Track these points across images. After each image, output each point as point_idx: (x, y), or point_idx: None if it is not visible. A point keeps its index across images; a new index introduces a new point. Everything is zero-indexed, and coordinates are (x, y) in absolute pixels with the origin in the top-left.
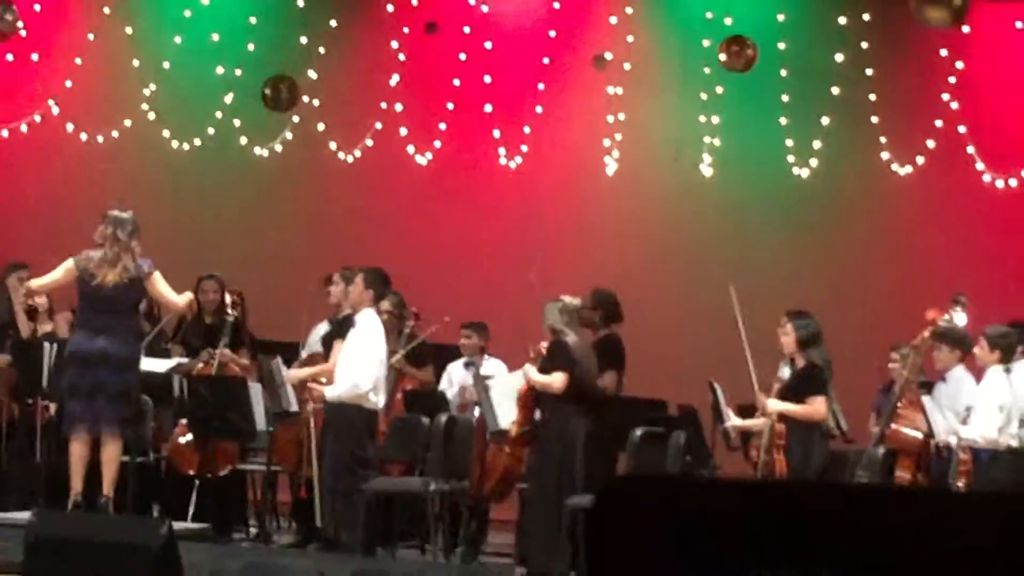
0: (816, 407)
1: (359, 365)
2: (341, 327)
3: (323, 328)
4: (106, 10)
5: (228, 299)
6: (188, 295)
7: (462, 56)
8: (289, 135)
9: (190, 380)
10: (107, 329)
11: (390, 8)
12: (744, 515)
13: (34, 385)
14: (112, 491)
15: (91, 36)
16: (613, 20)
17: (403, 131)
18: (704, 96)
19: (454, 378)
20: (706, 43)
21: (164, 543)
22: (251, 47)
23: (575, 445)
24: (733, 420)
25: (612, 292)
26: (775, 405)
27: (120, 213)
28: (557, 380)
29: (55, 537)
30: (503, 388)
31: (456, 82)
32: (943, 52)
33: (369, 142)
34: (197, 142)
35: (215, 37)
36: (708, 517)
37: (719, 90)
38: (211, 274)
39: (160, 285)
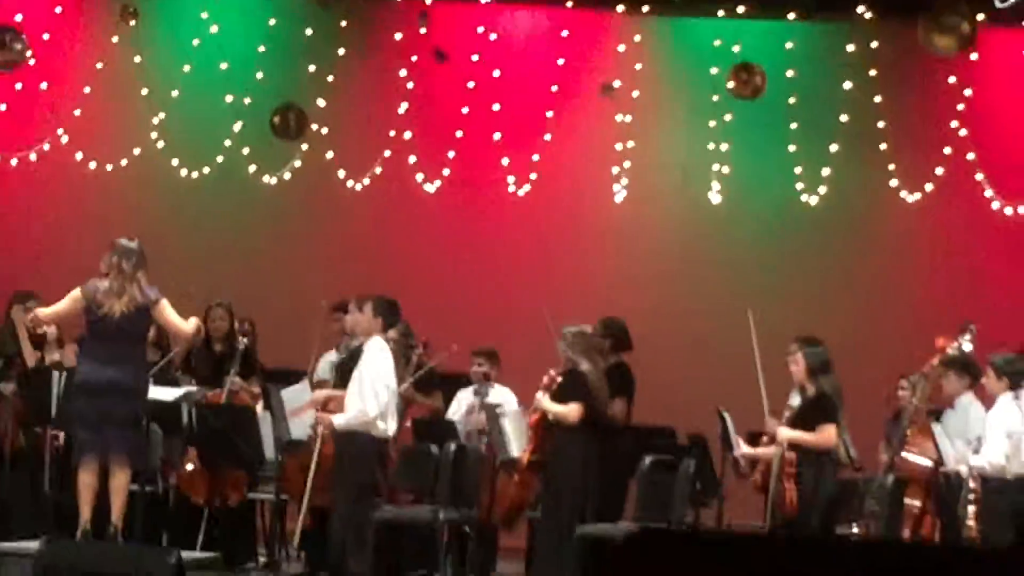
0: (826, 435)
1: (367, 392)
2: (353, 356)
3: (331, 357)
4: (115, 39)
5: (238, 326)
6: (195, 320)
7: (471, 84)
8: (298, 163)
9: (199, 408)
10: (115, 359)
11: (398, 36)
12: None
13: (42, 414)
14: (121, 521)
15: (100, 65)
16: (621, 48)
17: (412, 159)
18: (712, 123)
19: (463, 405)
20: (714, 71)
21: (173, 573)
22: (260, 75)
23: (586, 473)
24: (743, 448)
25: (621, 320)
26: (786, 433)
27: (127, 242)
28: (572, 412)
29: (64, 567)
30: (513, 417)
31: (465, 110)
32: (951, 79)
33: (378, 170)
34: (206, 170)
35: (224, 66)
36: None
37: (727, 117)
38: (220, 301)
39: (167, 312)
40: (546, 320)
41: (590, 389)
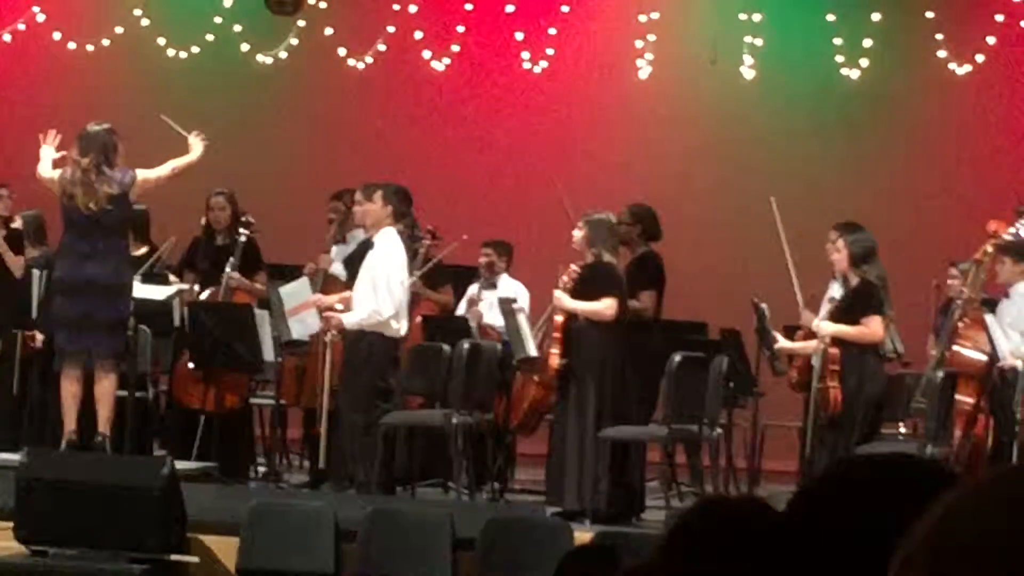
0: (872, 328)
1: (381, 289)
2: (362, 250)
3: (332, 253)
4: None
5: (243, 219)
6: (195, 137)
7: None
8: (294, 41)
9: (192, 308)
10: (94, 254)
11: None
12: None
13: (19, 316)
14: (108, 429)
15: None
16: None
17: (418, 35)
18: None
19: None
20: None
21: (166, 484)
22: None
23: (612, 374)
24: (781, 342)
25: (650, 207)
26: (828, 327)
27: (92, 128)
28: (608, 307)
29: (48, 479)
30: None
31: None
32: None
33: (381, 47)
34: (195, 50)
35: None
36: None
37: None
38: (220, 190)
39: (151, 176)
40: (564, 205)
41: (621, 281)
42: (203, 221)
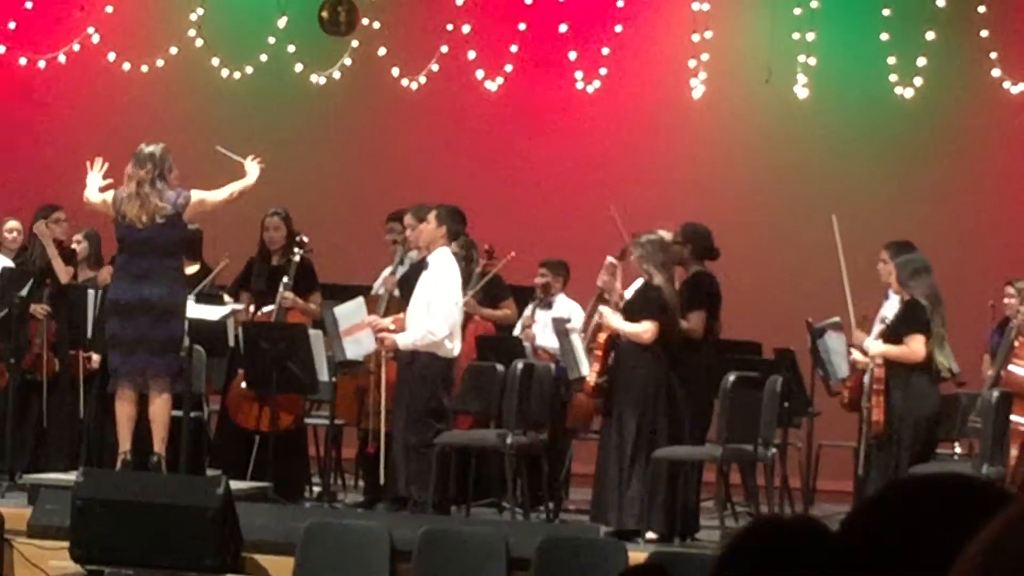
0: (913, 347)
1: (437, 310)
2: (416, 270)
3: (386, 272)
4: None
5: (298, 239)
6: (251, 161)
7: None
8: (348, 61)
9: (246, 329)
10: (148, 275)
11: None
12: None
13: (76, 336)
14: (163, 449)
15: None
16: None
17: (471, 55)
18: (798, 11)
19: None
20: None
21: (221, 504)
22: None
23: (654, 396)
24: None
25: (703, 226)
26: (875, 347)
27: (145, 148)
28: (647, 331)
29: (104, 499)
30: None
31: (528, 0)
32: None
33: (435, 67)
34: (249, 70)
35: None
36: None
37: (814, 4)
38: (275, 210)
39: (207, 199)
40: (618, 225)
41: (665, 305)
42: (258, 241)
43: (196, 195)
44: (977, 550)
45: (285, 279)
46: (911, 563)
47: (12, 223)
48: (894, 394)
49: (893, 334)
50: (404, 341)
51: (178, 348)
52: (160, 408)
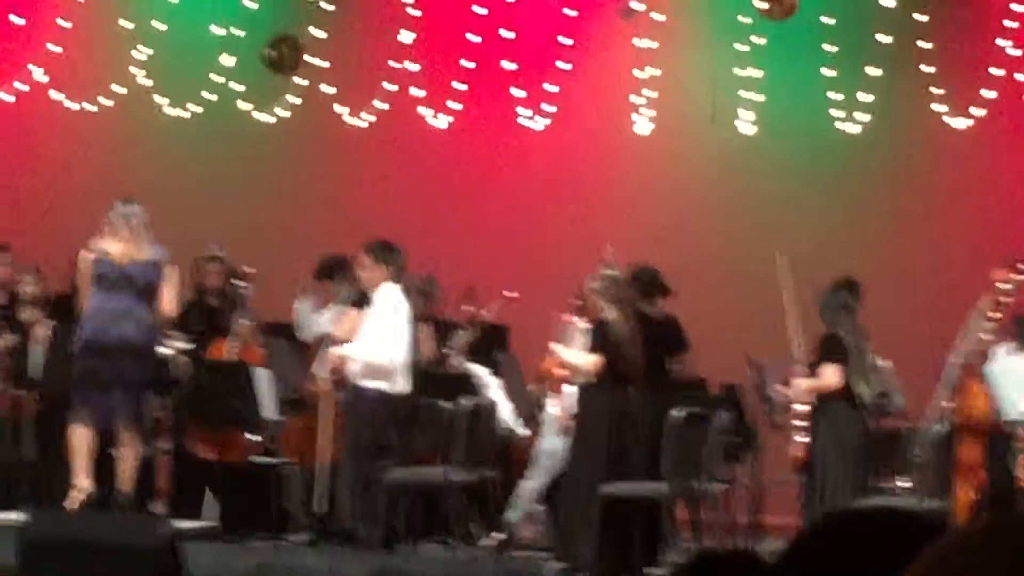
0: (825, 375)
1: (390, 338)
2: (364, 298)
3: (329, 314)
4: None
5: (239, 271)
6: (175, 312)
7: (480, 10)
8: (294, 99)
9: (194, 364)
10: (128, 315)
11: None
12: None
13: (24, 376)
14: (131, 488)
15: None
16: None
17: (418, 92)
18: (742, 47)
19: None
20: None
21: (166, 543)
22: (250, 4)
23: (611, 431)
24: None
25: (648, 267)
26: (798, 383)
27: (126, 204)
28: (589, 364)
29: (52, 539)
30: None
31: (474, 38)
32: None
33: (381, 105)
34: (195, 108)
35: None
36: None
37: (758, 41)
38: (213, 254)
39: (170, 280)
40: (607, 255)
41: (613, 341)
42: (192, 283)
43: (172, 272)
44: None
45: (239, 314)
46: None
47: None
48: (820, 425)
49: (813, 368)
50: (361, 355)
51: (149, 388)
52: (135, 450)
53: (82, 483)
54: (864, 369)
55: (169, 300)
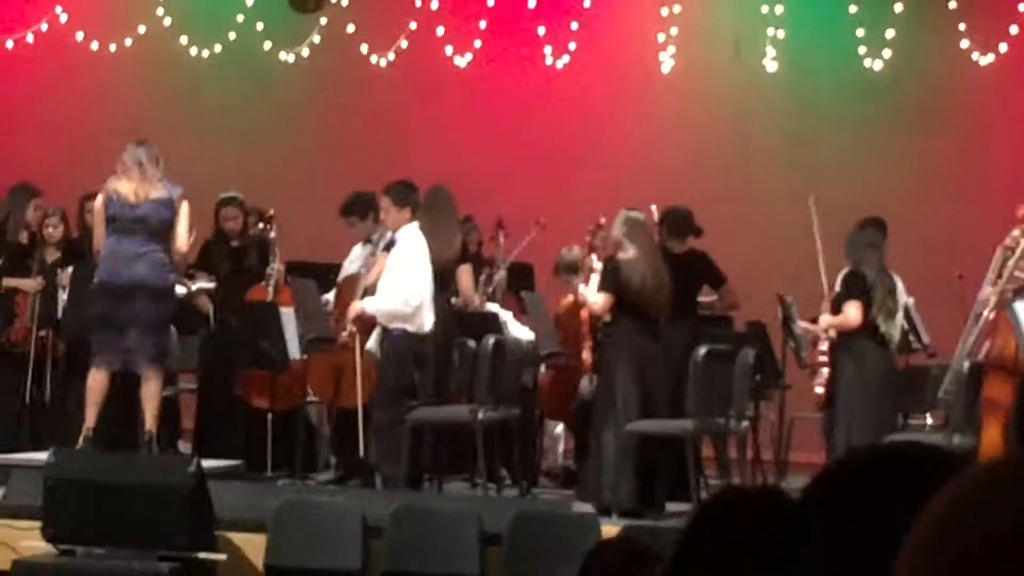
0: (848, 313)
1: (406, 281)
2: (388, 247)
3: (358, 249)
4: None
5: (264, 214)
6: (187, 246)
7: None
8: (317, 38)
9: (216, 306)
10: (140, 256)
11: None
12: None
13: (50, 318)
14: (155, 427)
15: None
16: None
17: (440, 31)
18: None
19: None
20: None
21: (193, 482)
22: None
23: (633, 368)
24: (801, 324)
25: (680, 208)
26: (823, 320)
27: (139, 144)
28: (597, 302)
29: (76, 479)
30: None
31: None
32: None
33: (404, 44)
34: (217, 48)
35: None
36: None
37: None
38: (230, 197)
39: (182, 215)
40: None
41: (621, 279)
42: (214, 225)
43: (185, 207)
44: (925, 519)
45: (273, 257)
46: (866, 532)
47: None
48: (843, 363)
49: (836, 305)
50: (376, 306)
51: (168, 329)
52: (156, 388)
53: (89, 423)
54: (889, 307)
55: (181, 236)
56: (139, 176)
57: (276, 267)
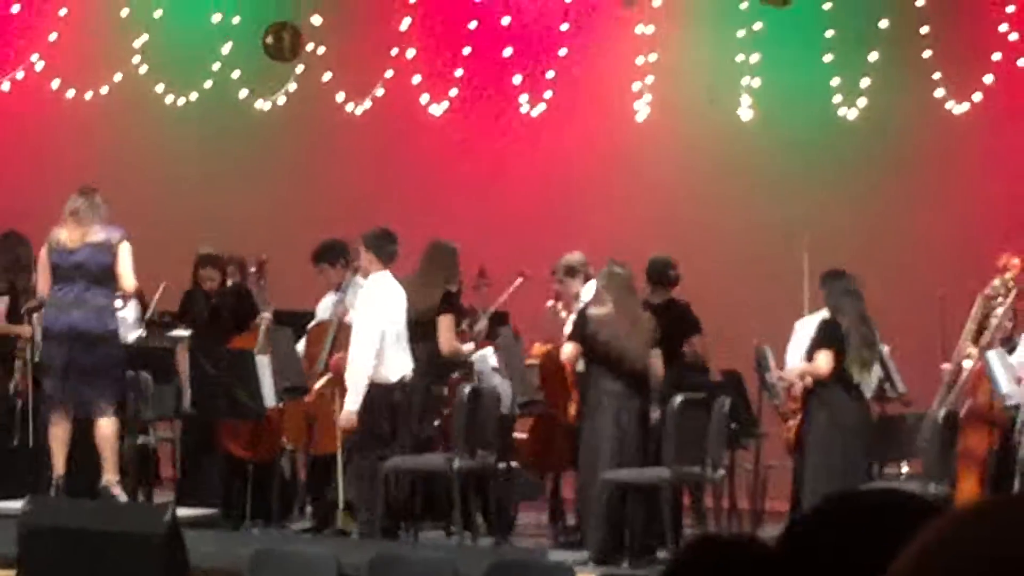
0: (817, 362)
1: (358, 335)
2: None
3: (331, 298)
4: None
5: (253, 260)
6: (134, 285)
7: None
8: (293, 86)
9: (192, 354)
10: (77, 302)
11: None
12: None
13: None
14: (115, 474)
15: None
16: None
17: (416, 79)
18: (741, 33)
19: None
20: None
21: (168, 531)
22: None
23: (607, 417)
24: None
25: (661, 257)
26: (792, 367)
27: (84, 190)
28: (565, 351)
29: (51, 527)
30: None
31: (472, 24)
32: None
33: (380, 92)
34: (193, 96)
35: None
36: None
37: (757, 26)
38: (205, 254)
39: (122, 256)
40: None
41: (590, 332)
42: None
43: (126, 247)
44: (903, 563)
45: (264, 308)
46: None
47: None
48: (814, 411)
49: (810, 352)
50: (350, 402)
51: (112, 373)
52: (104, 432)
53: (56, 471)
54: (864, 357)
55: (124, 277)
56: (74, 223)
57: (266, 316)
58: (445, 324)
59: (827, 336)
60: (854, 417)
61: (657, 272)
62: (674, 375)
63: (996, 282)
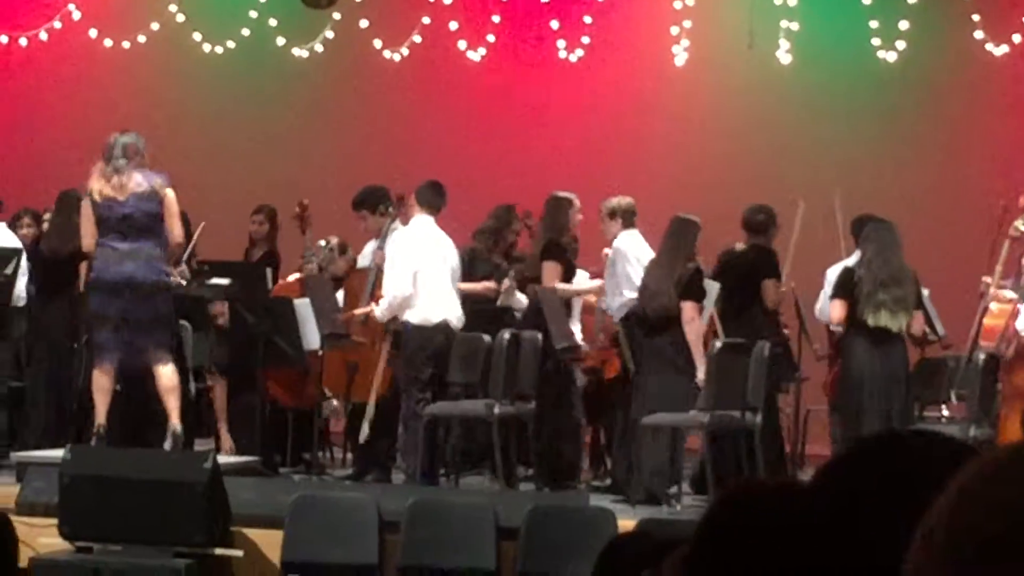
0: (831, 312)
1: (390, 275)
2: None
3: (372, 245)
4: None
5: (297, 210)
6: (182, 236)
7: None
8: (330, 34)
9: (231, 306)
10: (129, 254)
11: None
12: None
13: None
14: (178, 420)
15: None
16: None
17: (453, 25)
18: None
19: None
20: None
21: (209, 478)
22: None
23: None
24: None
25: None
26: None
27: (120, 136)
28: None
29: (92, 476)
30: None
31: None
32: None
33: (417, 38)
34: (230, 44)
35: None
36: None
37: None
38: (259, 207)
39: (169, 206)
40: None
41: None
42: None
43: (171, 195)
44: (939, 506)
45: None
46: (881, 515)
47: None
48: (841, 358)
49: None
50: (379, 312)
51: (167, 323)
52: (165, 381)
53: (97, 419)
54: (879, 299)
55: (175, 227)
56: (118, 174)
57: (309, 266)
58: (549, 271)
59: (837, 286)
60: (872, 363)
61: (747, 219)
62: (751, 320)
63: (1018, 221)
